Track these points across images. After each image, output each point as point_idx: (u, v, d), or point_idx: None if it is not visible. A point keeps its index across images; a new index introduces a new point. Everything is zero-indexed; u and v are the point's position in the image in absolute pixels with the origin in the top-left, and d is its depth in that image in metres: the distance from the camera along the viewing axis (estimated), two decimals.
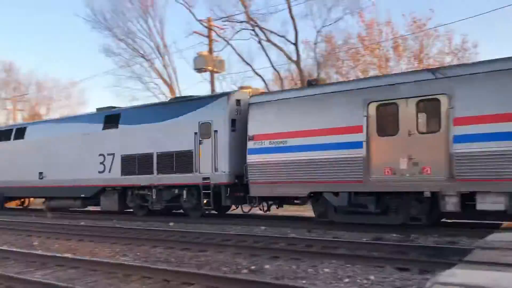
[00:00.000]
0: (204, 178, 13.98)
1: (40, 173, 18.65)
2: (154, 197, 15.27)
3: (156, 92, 34.02)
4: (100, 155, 16.66)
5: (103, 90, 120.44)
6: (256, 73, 29.31)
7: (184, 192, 14.63)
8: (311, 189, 12.25)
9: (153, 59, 33.77)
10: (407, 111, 10.88)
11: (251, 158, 13.06)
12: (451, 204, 10.11)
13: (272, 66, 29.07)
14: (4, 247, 10.11)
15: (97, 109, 18.48)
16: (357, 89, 11.85)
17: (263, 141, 12.93)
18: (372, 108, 11.32)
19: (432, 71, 11.01)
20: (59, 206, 18.66)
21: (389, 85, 11.35)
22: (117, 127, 16.43)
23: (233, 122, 13.96)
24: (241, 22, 28.27)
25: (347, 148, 11.58)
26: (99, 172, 16.65)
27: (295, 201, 13.68)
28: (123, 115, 16.74)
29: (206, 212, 14.75)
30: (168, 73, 33.15)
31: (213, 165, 13.89)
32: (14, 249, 9.73)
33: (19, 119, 45.57)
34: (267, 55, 28.98)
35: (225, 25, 28.15)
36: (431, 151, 10.52)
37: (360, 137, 11.37)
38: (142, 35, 33.51)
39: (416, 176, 10.65)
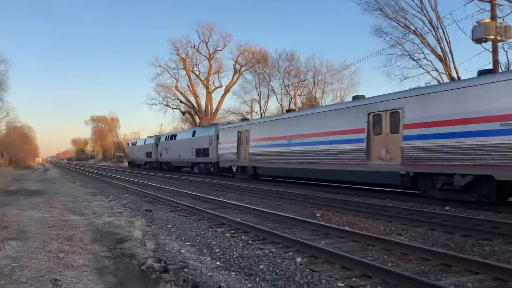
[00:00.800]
0: None
1: None
2: None
3: (428, 69, 32.42)
4: None
5: (374, 71, 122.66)
6: None
7: None
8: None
9: (425, 34, 32.22)
10: (386, 119, 16.71)
11: None
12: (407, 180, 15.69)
13: None
14: (292, 216, 11.57)
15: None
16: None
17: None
18: (370, 116, 17.38)
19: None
20: None
21: (377, 102, 17.30)
22: None
23: None
24: None
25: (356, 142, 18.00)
26: None
27: None
28: None
29: None
30: (442, 47, 31.07)
31: None
32: (301, 218, 11.00)
33: (298, 103, 50.74)
34: None
35: None
36: (395, 145, 16.06)
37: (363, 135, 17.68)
38: (414, 10, 32.31)
39: (390, 161, 16.40)
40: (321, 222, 10.47)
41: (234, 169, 29.68)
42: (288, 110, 30.77)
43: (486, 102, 12.87)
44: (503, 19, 23.59)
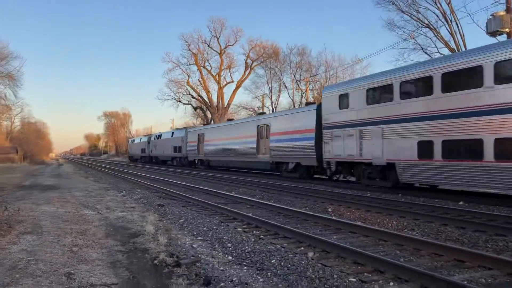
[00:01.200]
0: None
1: None
2: None
3: None
4: None
5: (385, 65, 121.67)
6: None
7: None
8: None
9: (438, 27, 31.89)
10: (264, 130, 27.07)
11: None
12: (273, 167, 26.53)
13: None
14: (303, 210, 11.56)
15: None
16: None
17: None
18: (258, 128, 27.75)
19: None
20: None
21: (260, 119, 28.70)
22: None
23: None
24: None
25: (251, 144, 29.01)
26: None
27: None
28: None
29: None
30: (456, 41, 30.71)
31: None
32: (312, 213, 10.99)
33: (310, 98, 50.58)
34: None
35: None
36: (267, 146, 26.35)
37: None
38: (427, 3, 31.96)
39: (266, 155, 26.56)
40: (333, 217, 10.45)
41: (196, 161, 40.07)
42: (229, 119, 41.26)
43: (299, 122, 23.36)
44: None
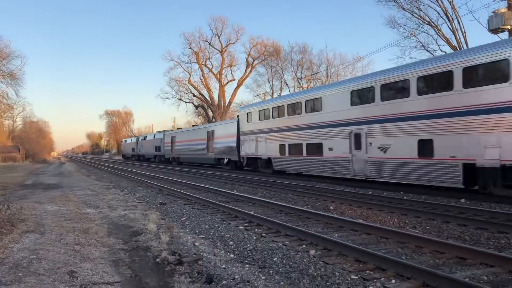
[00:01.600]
0: None
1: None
2: None
3: None
4: None
5: (387, 63, 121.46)
6: None
7: None
8: None
9: (440, 25, 31.82)
10: (211, 134, 36.20)
11: None
12: (216, 161, 35.96)
13: None
14: (305, 208, 11.57)
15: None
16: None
17: None
18: (208, 132, 37.50)
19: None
20: None
21: (209, 126, 39.38)
22: None
23: None
24: None
25: (203, 144, 38.79)
26: None
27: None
28: None
29: None
30: (457, 38, 30.64)
31: None
32: (314, 211, 11.00)
33: None
34: None
35: None
36: (213, 146, 35.85)
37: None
38: (429, 1, 31.89)
39: (212, 153, 35.85)
40: (335, 215, 10.46)
41: (170, 158, 49.81)
42: (194, 125, 53.72)
43: (229, 130, 32.50)
44: None
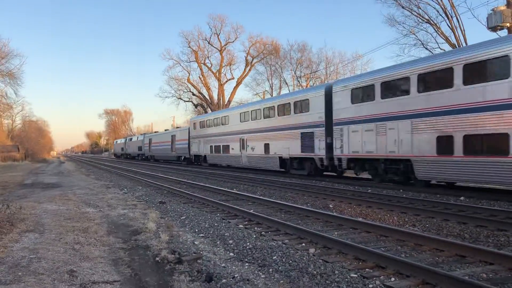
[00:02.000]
0: None
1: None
2: None
3: None
4: None
5: (386, 61, 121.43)
6: None
7: None
8: None
9: (439, 23, 31.79)
10: (173, 138, 48.10)
11: None
12: (176, 158, 48.31)
13: None
14: (305, 207, 11.57)
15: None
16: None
17: None
18: (172, 136, 49.18)
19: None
20: None
21: (172, 131, 52.11)
22: None
23: None
24: None
25: (169, 145, 51.01)
26: None
27: None
28: None
29: None
30: (456, 36, 30.63)
31: None
32: (314, 209, 11.00)
33: None
34: None
35: None
36: (176, 147, 47.77)
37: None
38: None
39: (175, 152, 48.01)
40: (334, 213, 10.46)
41: (148, 157, 59.88)
42: (166, 129, 59.16)
43: (183, 135, 44.51)
44: None
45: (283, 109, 24.43)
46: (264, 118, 26.61)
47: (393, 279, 5.53)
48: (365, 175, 19.83)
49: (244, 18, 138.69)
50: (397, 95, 15.97)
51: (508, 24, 21.69)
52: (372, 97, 17.10)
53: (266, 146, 26.08)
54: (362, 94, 17.83)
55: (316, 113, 21.12)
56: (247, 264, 6.41)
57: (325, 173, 22.47)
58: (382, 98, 16.61)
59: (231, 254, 7.03)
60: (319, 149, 20.98)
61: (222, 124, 33.10)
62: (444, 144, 14.01)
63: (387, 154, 16.45)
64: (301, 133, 22.35)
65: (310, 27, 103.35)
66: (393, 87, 16.24)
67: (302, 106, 22.56)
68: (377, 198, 13.37)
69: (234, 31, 65.01)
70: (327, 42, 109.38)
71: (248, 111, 29.01)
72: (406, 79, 15.58)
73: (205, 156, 36.93)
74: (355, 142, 18.19)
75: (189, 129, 41.81)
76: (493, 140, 12.57)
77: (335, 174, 22.02)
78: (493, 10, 22.25)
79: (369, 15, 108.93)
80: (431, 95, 14.53)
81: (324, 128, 20.55)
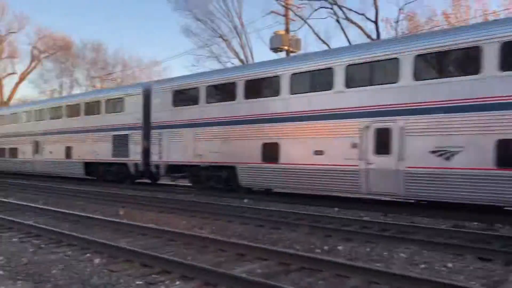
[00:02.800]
0: None
1: None
2: None
3: None
4: None
5: (183, 69, 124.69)
6: None
7: None
8: None
9: (230, 39, 34.27)
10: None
11: None
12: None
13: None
14: (92, 215, 10.97)
15: None
16: None
17: None
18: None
19: None
20: None
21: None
22: None
23: None
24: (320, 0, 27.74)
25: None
26: None
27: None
28: None
29: None
30: (245, 53, 33.49)
31: None
32: (102, 217, 10.50)
33: None
34: (345, 34, 28.27)
35: (303, 3, 27.80)
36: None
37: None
38: (221, 15, 34.03)
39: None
40: (124, 221, 10.18)
41: None
42: None
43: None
44: (295, 33, 26.70)
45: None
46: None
47: (177, 282, 5.64)
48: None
49: (33, 9, 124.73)
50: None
51: (286, 47, 24.74)
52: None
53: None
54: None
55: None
56: (20, 281, 5.72)
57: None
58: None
59: (1, 272, 6.17)
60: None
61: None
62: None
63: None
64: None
65: (107, 29, 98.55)
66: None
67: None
68: (169, 203, 13.54)
69: (19, 20, 57.89)
70: (126, 47, 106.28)
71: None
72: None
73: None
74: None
75: None
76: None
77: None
78: (274, 33, 25.11)
79: (169, 23, 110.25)
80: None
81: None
